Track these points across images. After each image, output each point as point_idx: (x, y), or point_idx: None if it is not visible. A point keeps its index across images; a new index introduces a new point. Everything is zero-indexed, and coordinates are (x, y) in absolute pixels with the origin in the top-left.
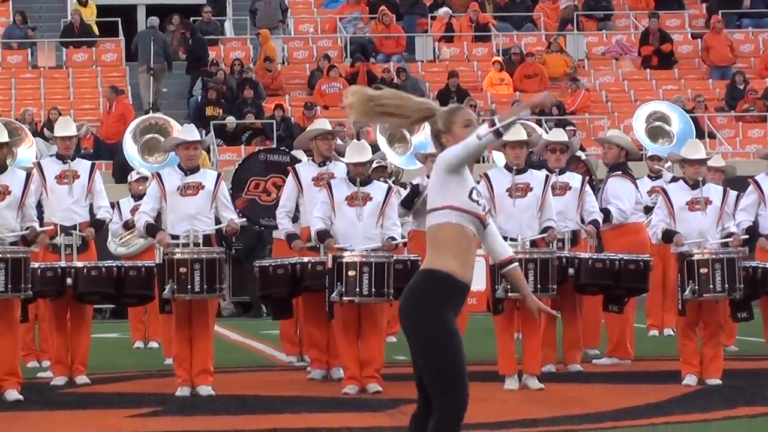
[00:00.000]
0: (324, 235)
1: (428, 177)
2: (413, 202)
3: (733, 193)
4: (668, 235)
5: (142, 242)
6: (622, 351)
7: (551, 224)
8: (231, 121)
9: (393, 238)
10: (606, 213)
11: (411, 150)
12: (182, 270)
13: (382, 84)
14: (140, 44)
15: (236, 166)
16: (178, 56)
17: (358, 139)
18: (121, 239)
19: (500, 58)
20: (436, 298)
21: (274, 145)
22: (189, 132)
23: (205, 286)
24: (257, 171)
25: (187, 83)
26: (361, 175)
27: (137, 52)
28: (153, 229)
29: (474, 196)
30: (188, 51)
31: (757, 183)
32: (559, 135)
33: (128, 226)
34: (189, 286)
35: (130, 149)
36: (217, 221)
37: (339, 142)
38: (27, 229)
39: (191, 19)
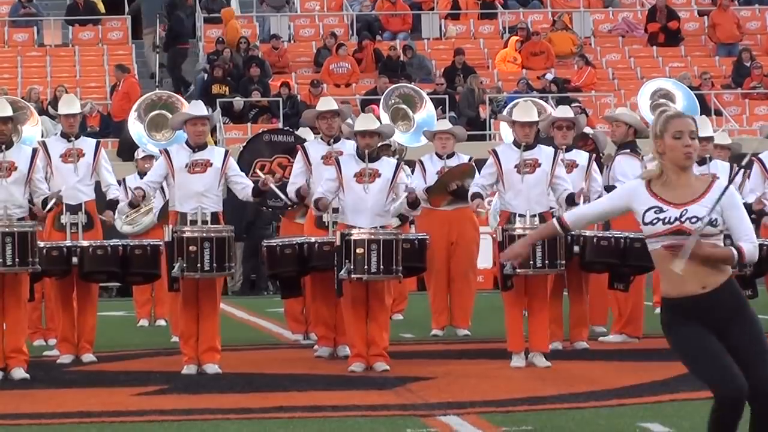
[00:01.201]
0: (317, 200)
1: (436, 154)
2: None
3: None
4: None
5: (148, 220)
6: (634, 327)
7: (572, 191)
8: (238, 101)
9: (412, 192)
10: (613, 190)
11: (414, 128)
12: (192, 248)
13: (389, 61)
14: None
15: (241, 148)
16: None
17: None
18: (127, 217)
19: (517, 37)
20: None
21: (281, 123)
22: (197, 108)
23: (214, 265)
24: (262, 152)
25: (195, 61)
26: (368, 147)
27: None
28: (143, 196)
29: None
30: (167, 29)
31: (761, 161)
32: (565, 111)
33: (134, 204)
34: (198, 265)
35: (136, 128)
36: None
37: (348, 121)
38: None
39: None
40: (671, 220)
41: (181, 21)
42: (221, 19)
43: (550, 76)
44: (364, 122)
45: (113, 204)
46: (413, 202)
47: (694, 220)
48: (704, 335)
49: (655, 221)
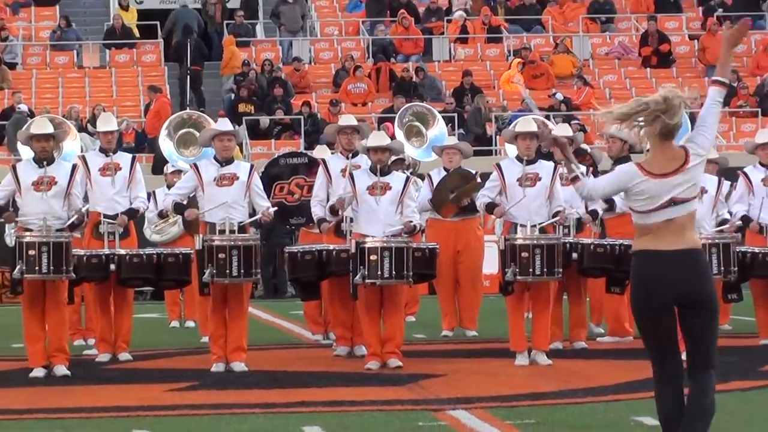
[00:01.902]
0: (333, 210)
1: (444, 169)
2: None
3: (726, 183)
4: None
5: (176, 230)
6: (620, 331)
7: (560, 209)
8: (264, 119)
9: (410, 221)
10: (611, 203)
11: (427, 143)
12: (221, 256)
13: (402, 81)
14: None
15: (260, 173)
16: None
17: None
18: (156, 227)
19: (521, 61)
20: None
21: (302, 140)
22: (224, 124)
23: (242, 271)
24: (280, 176)
25: (221, 83)
26: (380, 162)
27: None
28: (180, 206)
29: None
30: (192, 50)
31: (746, 174)
32: (564, 130)
33: (163, 215)
34: (227, 271)
35: (166, 145)
36: (252, 208)
37: (361, 142)
38: (76, 214)
39: (225, 22)
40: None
41: (199, 45)
42: (247, 43)
43: (560, 96)
44: (376, 139)
45: (133, 212)
46: (409, 232)
47: None
48: (656, 306)
49: None
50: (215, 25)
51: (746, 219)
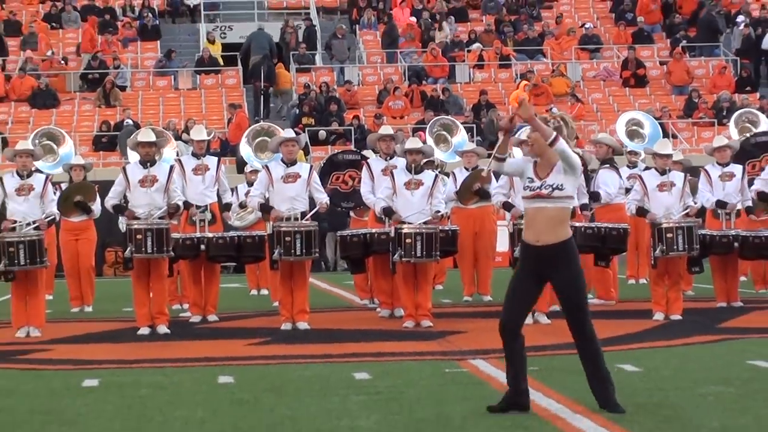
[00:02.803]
0: (389, 212)
1: (464, 168)
2: None
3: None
4: (641, 211)
5: (252, 217)
6: (611, 294)
7: None
8: (321, 132)
9: (438, 211)
10: (596, 195)
11: (452, 149)
12: (287, 239)
13: (432, 99)
14: (253, 71)
15: (321, 165)
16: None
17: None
18: (237, 215)
19: (526, 82)
20: None
21: (352, 145)
22: (288, 132)
23: (303, 251)
24: (337, 168)
25: (290, 99)
26: (415, 162)
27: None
28: (265, 207)
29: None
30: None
31: (706, 171)
32: None
33: (243, 205)
34: (292, 251)
35: (245, 150)
36: (312, 200)
37: (397, 145)
38: (172, 205)
39: (291, 53)
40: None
41: (271, 67)
42: (308, 69)
43: (555, 110)
44: (412, 143)
45: (227, 206)
46: (437, 219)
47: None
48: (523, 274)
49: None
50: (290, 50)
51: (721, 203)
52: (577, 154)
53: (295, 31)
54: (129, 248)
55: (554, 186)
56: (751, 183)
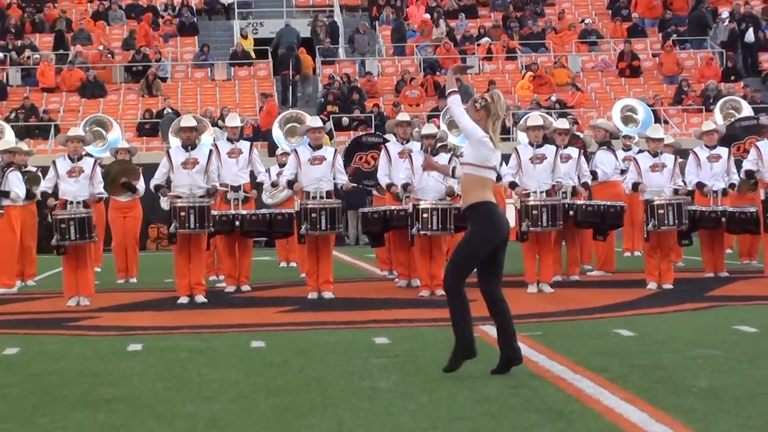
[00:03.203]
0: (406, 187)
1: None
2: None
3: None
4: (635, 186)
5: (283, 195)
6: (608, 265)
7: (560, 179)
8: (345, 119)
9: (452, 187)
10: (594, 174)
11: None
12: (314, 215)
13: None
14: (281, 62)
15: (346, 146)
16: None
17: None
18: (270, 193)
19: (531, 73)
20: None
21: (372, 130)
22: (315, 121)
23: (328, 226)
24: (360, 149)
25: (316, 90)
26: (430, 146)
27: (279, 59)
28: (292, 183)
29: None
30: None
31: (695, 153)
32: (563, 123)
33: (275, 185)
34: (318, 226)
35: (276, 134)
36: (335, 180)
37: (415, 129)
38: (211, 186)
39: (317, 47)
40: None
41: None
42: (332, 62)
43: (554, 98)
44: (427, 129)
45: (260, 185)
46: (450, 195)
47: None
48: None
49: None
50: (320, 42)
51: (700, 185)
52: (578, 136)
53: (324, 26)
54: (173, 224)
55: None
56: (737, 163)
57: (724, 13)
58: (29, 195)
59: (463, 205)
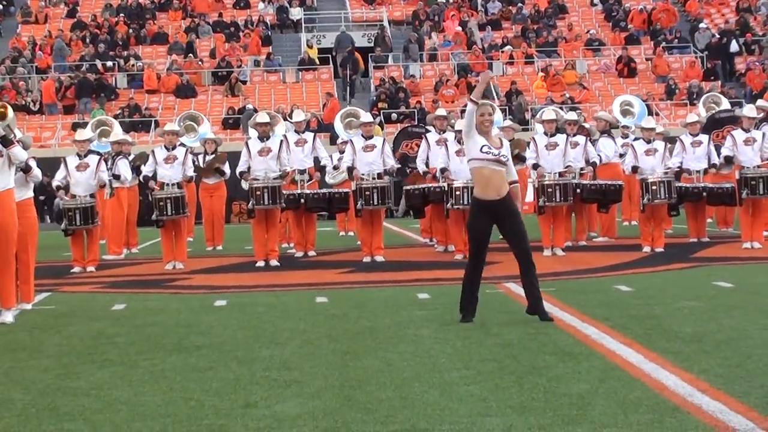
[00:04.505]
0: (443, 170)
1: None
2: None
3: (669, 145)
4: (634, 169)
5: (342, 176)
6: (611, 232)
7: (570, 164)
8: (393, 114)
9: None
10: (599, 157)
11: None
12: (367, 193)
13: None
14: (341, 67)
15: (395, 135)
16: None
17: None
18: (332, 175)
19: (543, 75)
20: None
21: (416, 123)
22: (367, 117)
23: (379, 201)
24: (406, 137)
25: (369, 91)
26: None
27: (340, 64)
28: (351, 169)
29: (484, 150)
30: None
31: (681, 140)
32: (572, 115)
33: (336, 167)
34: (371, 202)
35: (337, 126)
36: (385, 164)
37: (451, 122)
38: (282, 170)
39: (369, 54)
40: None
41: (355, 61)
42: (383, 67)
43: (567, 94)
44: (460, 124)
45: (323, 168)
46: None
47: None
48: (483, 224)
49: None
50: (383, 47)
51: (680, 170)
52: (584, 127)
53: (384, 34)
54: (251, 201)
55: (507, 156)
56: (717, 148)
57: (702, 24)
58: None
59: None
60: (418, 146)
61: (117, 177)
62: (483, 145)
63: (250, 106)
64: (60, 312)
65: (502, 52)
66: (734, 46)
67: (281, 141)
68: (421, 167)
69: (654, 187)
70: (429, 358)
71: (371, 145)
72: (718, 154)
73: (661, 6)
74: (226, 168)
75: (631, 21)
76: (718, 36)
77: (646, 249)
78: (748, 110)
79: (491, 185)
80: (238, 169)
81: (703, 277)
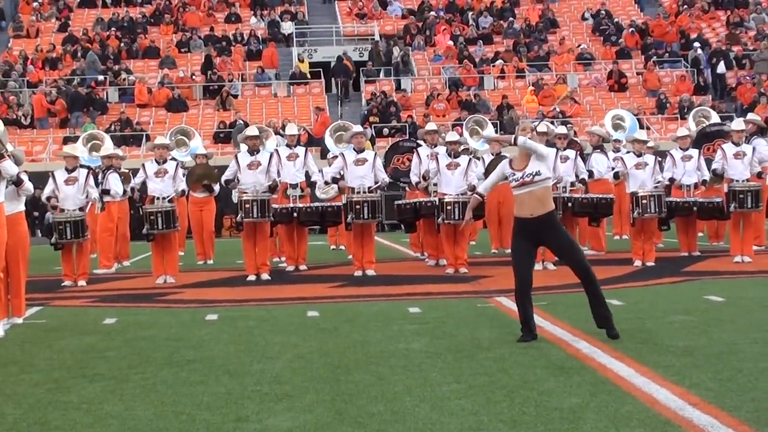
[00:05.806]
0: (425, 176)
1: (492, 154)
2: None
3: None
4: (616, 175)
5: (333, 192)
6: (601, 246)
7: (559, 177)
8: (384, 128)
9: (472, 183)
10: (590, 173)
11: (482, 139)
12: (358, 206)
13: (467, 102)
14: (334, 84)
15: (386, 150)
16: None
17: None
18: (322, 190)
19: (533, 89)
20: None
21: (407, 136)
22: (357, 127)
23: (370, 215)
24: (397, 152)
25: (360, 104)
26: (453, 150)
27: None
28: (336, 180)
29: (510, 178)
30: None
31: (671, 154)
32: (562, 129)
33: (326, 182)
34: (362, 216)
35: (328, 141)
36: (376, 178)
37: (442, 134)
38: (271, 183)
39: (360, 69)
40: (518, 178)
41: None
42: (374, 81)
43: (557, 108)
44: (452, 136)
45: (313, 183)
46: (471, 191)
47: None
48: (523, 243)
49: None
50: (377, 62)
51: (671, 181)
52: (575, 141)
53: (377, 49)
54: (240, 215)
55: (533, 173)
56: (707, 162)
57: (696, 43)
58: (124, 192)
59: (542, 211)
60: (410, 161)
61: (107, 191)
62: (509, 173)
63: (241, 121)
64: (51, 326)
65: (494, 66)
66: (721, 68)
67: (271, 155)
68: (414, 179)
69: (644, 201)
70: (420, 372)
71: (362, 159)
72: (709, 168)
73: (664, 24)
74: (217, 187)
75: (625, 39)
76: (706, 58)
77: (637, 263)
78: (737, 124)
79: (525, 205)
80: (224, 178)
81: (694, 291)
